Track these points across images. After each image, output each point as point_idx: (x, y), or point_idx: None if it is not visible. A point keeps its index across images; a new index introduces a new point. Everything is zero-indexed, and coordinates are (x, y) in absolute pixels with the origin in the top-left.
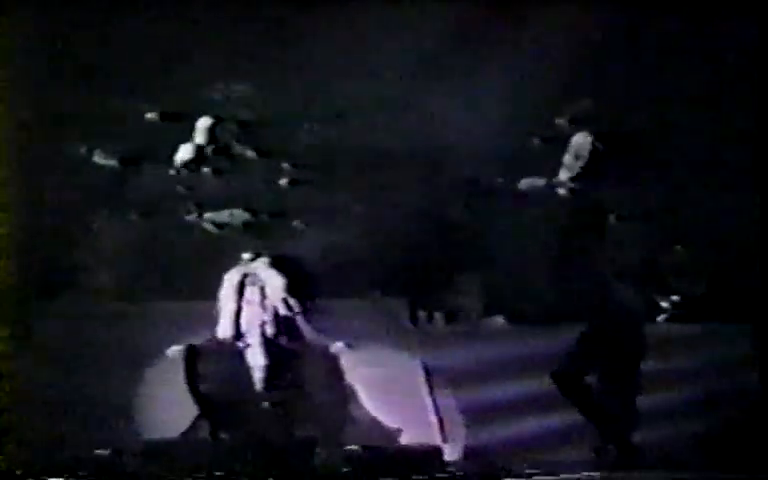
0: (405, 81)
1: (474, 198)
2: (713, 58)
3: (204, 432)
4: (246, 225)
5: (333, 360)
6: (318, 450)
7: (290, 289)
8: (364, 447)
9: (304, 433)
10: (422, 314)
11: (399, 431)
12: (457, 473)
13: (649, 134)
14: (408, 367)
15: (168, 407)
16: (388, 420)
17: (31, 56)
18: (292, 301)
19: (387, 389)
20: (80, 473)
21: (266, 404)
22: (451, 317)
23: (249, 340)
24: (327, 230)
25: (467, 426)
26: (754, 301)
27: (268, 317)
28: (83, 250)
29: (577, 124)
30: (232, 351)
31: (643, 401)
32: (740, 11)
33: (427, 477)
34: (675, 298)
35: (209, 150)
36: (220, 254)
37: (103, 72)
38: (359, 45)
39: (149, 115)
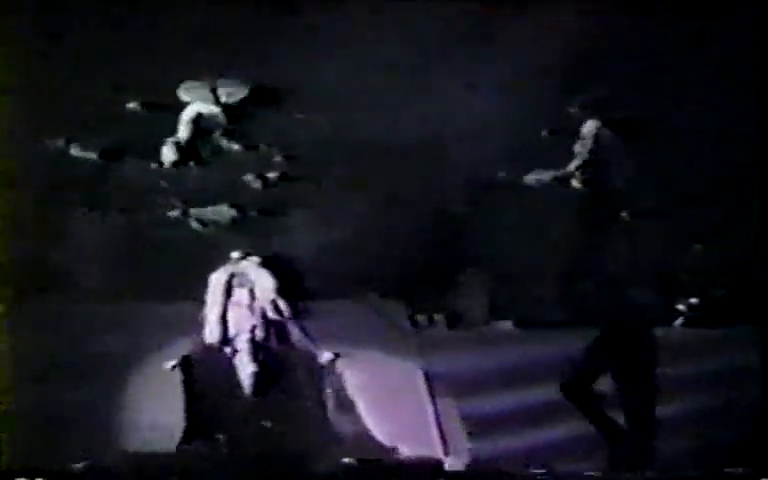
0: (404, 69)
1: (478, 193)
2: (736, 49)
3: (192, 444)
4: (234, 222)
5: (327, 366)
6: (311, 464)
7: (281, 291)
8: (360, 460)
9: (297, 445)
10: (422, 317)
11: (398, 443)
12: None
13: (665, 124)
14: (407, 374)
15: (155, 418)
16: (386, 431)
17: (5, 42)
18: (283, 304)
19: (385, 398)
20: None
21: (256, 414)
22: (454, 321)
23: (237, 345)
24: (321, 227)
25: (470, 438)
26: None
27: (258, 320)
28: (60, 249)
29: (588, 113)
30: (219, 357)
31: (660, 411)
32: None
33: None
34: (693, 301)
35: (194, 143)
36: (206, 253)
37: (82, 59)
38: (356, 31)
39: (131, 105)
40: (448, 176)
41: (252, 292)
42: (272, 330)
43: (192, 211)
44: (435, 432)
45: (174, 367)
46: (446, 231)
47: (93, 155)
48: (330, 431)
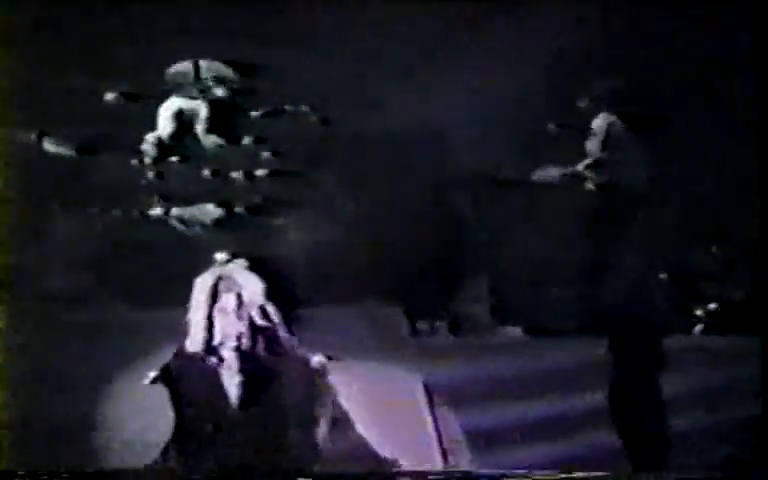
0: (402, 57)
1: (483, 190)
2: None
3: (175, 460)
4: (219, 222)
5: (320, 376)
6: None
7: (270, 295)
8: (355, 476)
9: (287, 460)
10: (423, 324)
11: (396, 459)
12: None
13: (682, 120)
14: (407, 385)
15: (135, 432)
16: (383, 446)
17: None
18: (272, 309)
19: (382, 410)
20: None
21: (243, 426)
22: (457, 327)
23: (224, 354)
24: (313, 228)
25: (474, 454)
26: None
27: (245, 328)
28: (31, 251)
29: (600, 106)
30: (204, 367)
31: (679, 424)
32: None
33: None
34: (712, 306)
35: (177, 138)
36: (190, 255)
37: (55, 45)
38: (351, 16)
39: (109, 96)
40: (450, 172)
41: (239, 297)
42: (261, 338)
43: (174, 210)
44: (436, 446)
45: (155, 380)
46: (448, 231)
47: (68, 150)
48: (323, 444)
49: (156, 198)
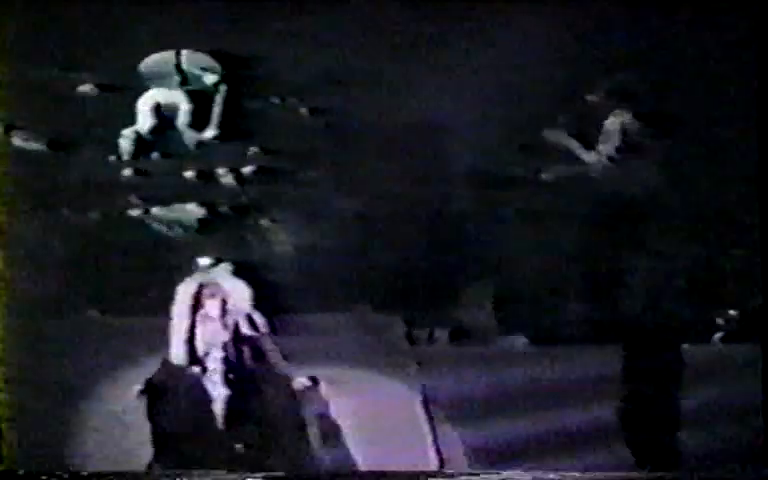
0: (401, 46)
1: (485, 190)
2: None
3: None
4: (203, 223)
5: (310, 390)
6: None
7: (257, 303)
8: (354, 476)
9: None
10: (421, 333)
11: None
12: None
13: (699, 117)
14: (403, 398)
15: (113, 448)
16: (378, 462)
17: None
18: (259, 317)
19: (377, 424)
20: None
21: (228, 441)
22: (457, 336)
23: (208, 364)
24: (303, 229)
25: (475, 469)
26: None
27: (231, 337)
28: (2, 254)
29: (614, 101)
30: (187, 378)
31: (695, 438)
32: None
33: None
34: (733, 313)
35: (157, 133)
36: (171, 259)
37: (26, 33)
38: (344, 6)
39: (83, 88)
40: (451, 170)
41: (224, 304)
42: (247, 348)
43: (155, 210)
44: (435, 463)
45: (141, 393)
46: (449, 233)
47: (40, 145)
48: (313, 462)
49: (135, 198)
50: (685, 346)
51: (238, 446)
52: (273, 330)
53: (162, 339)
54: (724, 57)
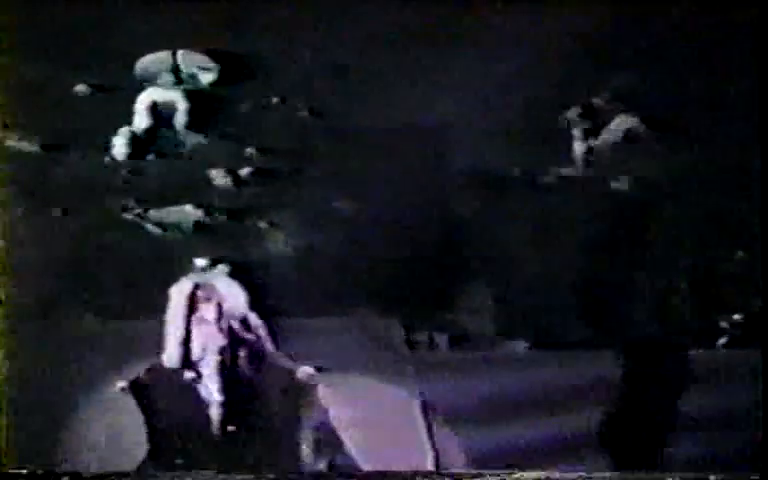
0: (399, 45)
1: (486, 191)
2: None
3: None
4: (199, 225)
5: (308, 393)
6: None
7: (254, 305)
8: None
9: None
10: (421, 337)
11: None
12: None
13: (703, 118)
14: (402, 403)
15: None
16: (376, 467)
17: None
18: (256, 320)
19: (376, 430)
20: None
21: (224, 446)
22: (458, 341)
23: (203, 369)
24: (301, 232)
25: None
26: None
27: (226, 341)
28: None
29: (618, 103)
30: (181, 383)
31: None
32: None
33: None
34: (737, 317)
35: (153, 133)
36: (167, 261)
37: (19, 32)
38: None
39: (78, 88)
40: (451, 172)
41: (220, 307)
42: (243, 352)
43: (150, 213)
44: (433, 470)
45: (121, 390)
46: (448, 235)
47: (33, 146)
48: (310, 467)
49: (130, 199)
50: (688, 351)
51: (233, 450)
52: (270, 334)
53: (159, 342)
54: (724, 61)
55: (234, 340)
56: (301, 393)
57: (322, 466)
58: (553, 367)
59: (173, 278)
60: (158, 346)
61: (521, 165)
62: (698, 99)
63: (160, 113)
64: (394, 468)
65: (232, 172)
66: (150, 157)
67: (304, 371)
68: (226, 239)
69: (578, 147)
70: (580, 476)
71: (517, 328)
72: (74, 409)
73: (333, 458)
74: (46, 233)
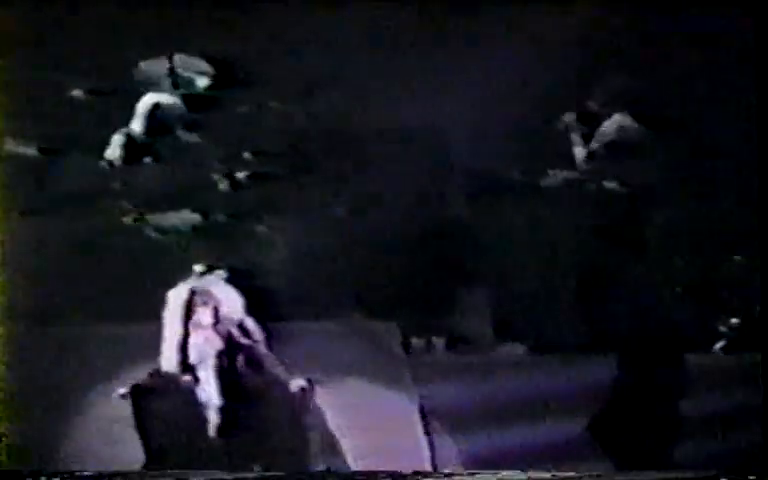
0: (397, 50)
1: (483, 195)
2: None
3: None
4: (197, 229)
5: (300, 396)
6: None
7: (250, 310)
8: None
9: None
10: (418, 341)
11: None
12: None
13: (699, 122)
14: (400, 407)
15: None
16: (374, 471)
17: None
18: (252, 325)
19: (373, 433)
20: None
21: (222, 451)
22: (455, 344)
23: (200, 373)
24: (298, 236)
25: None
26: None
27: (223, 345)
28: None
29: (613, 106)
30: (179, 387)
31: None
32: None
33: None
34: (735, 321)
35: (150, 137)
36: (165, 266)
37: (17, 38)
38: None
39: (75, 92)
40: (448, 175)
41: (217, 311)
42: (240, 356)
43: (148, 217)
44: (431, 471)
45: (123, 396)
46: (446, 240)
47: (31, 150)
48: (309, 469)
49: (128, 203)
50: (686, 355)
51: (231, 453)
52: (267, 338)
53: (157, 346)
54: (724, 65)
55: (231, 344)
56: (298, 400)
57: (320, 467)
58: (551, 370)
59: (171, 282)
60: (156, 350)
61: (519, 168)
62: (697, 100)
63: (159, 117)
64: (391, 469)
65: (230, 176)
66: (147, 161)
67: (297, 384)
68: (224, 243)
69: (578, 152)
70: (578, 477)
71: (515, 331)
72: (73, 410)
73: (331, 460)
74: (44, 237)
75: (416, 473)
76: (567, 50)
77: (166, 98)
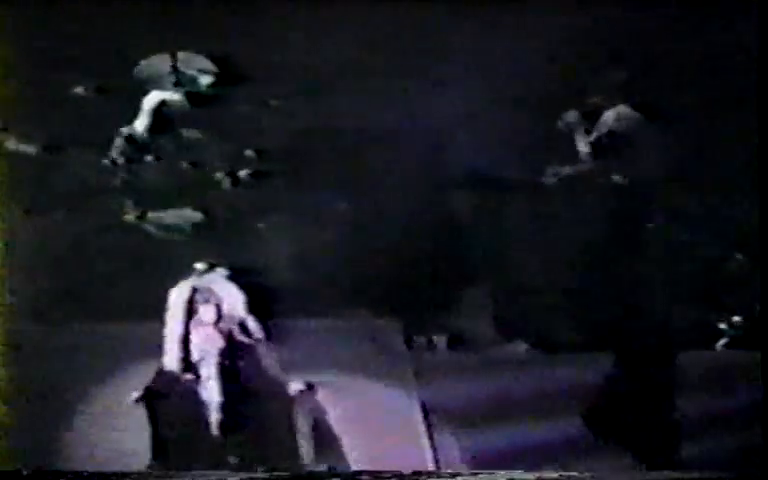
0: (398, 47)
1: (484, 193)
2: None
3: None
4: (198, 227)
5: (299, 398)
6: None
7: (252, 308)
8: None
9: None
10: (420, 339)
11: None
12: None
13: (700, 115)
14: (402, 405)
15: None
16: (375, 468)
17: None
18: (254, 323)
19: (375, 433)
20: None
21: (223, 449)
22: (456, 342)
23: (202, 372)
24: (299, 233)
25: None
26: None
27: (225, 343)
28: None
29: (613, 100)
30: (181, 386)
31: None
32: None
33: None
34: (737, 319)
35: (153, 135)
36: (166, 264)
37: (19, 34)
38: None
39: (77, 90)
40: (450, 173)
41: (219, 309)
42: (242, 355)
43: (150, 215)
44: (433, 470)
45: (138, 400)
46: (448, 237)
47: (33, 148)
48: (310, 468)
49: (129, 201)
50: (687, 353)
51: (233, 451)
52: (269, 336)
53: (158, 344)
54: (725, 63)
55: (233, 342)
56: (297, 403)
57: (322, 466)
58: (554, 368)
59: (173, 280)
60: (158, 348)
61: (520, 166)
62: (697, 96)
63: (162, 115)
64: (393, 469)
65: (231, 174)
66: (149, 159)
67: (295, 388)
68: (225, 241)
69: (582, 148)
70: (578, 476)
71: (517, 329)
72: (73, 410)
73: (332, 459)
74: (45, 235)
75: (419, 473)
76: (569, 46)
77: (171, 95)
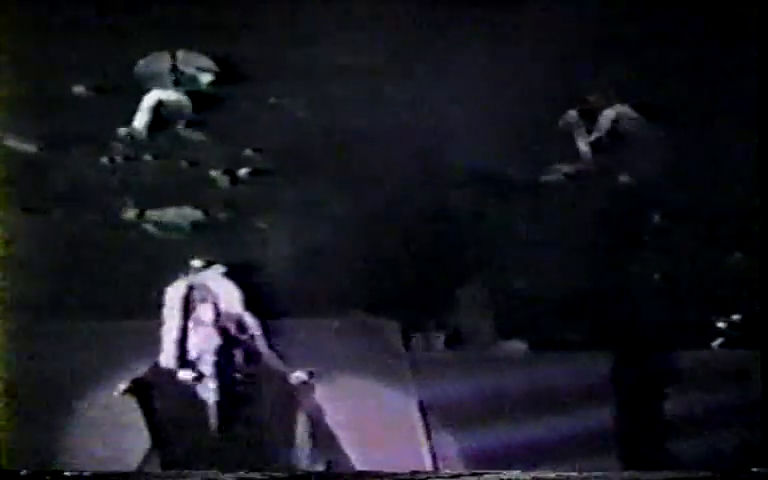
0: (397, 46)
1: (483, 192)
2: None
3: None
4: (196, 225)
5: (305, 394)
6: None
7: (249, 305)
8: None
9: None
10: (418, 337)
11: None
12: None
13: (699, 113)
14: (400, 404)
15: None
16: (373, 466)
17: None
18: (251, 320)
19: (373, 431)
20: None
21: (222, 447)
22: (455, 341)
23: (200, 369)
24: (297, 232)
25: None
26: None
27: (223, 340)
28: None
29: (611, 100)
30: (179, 383)
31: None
32: None
33: None
34: (735, 317)
35: (152, 134)
36: (164, 262)
37: (19, 34)
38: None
39: (77, 89)
40: (448, 172)
41: (216, 307)
42: (239, 352)
43: (149, 213)
44: (430, 468)
45: (125, 392)
46: (446, 236)
47: (32, 146)
48: (308, 467)
49: (129, 200)
50: (685, 351)
51: (230, 450)
52: (266, 334)
53: (156, 342)
54: (725, 63)
55: (230, 340)
56: (298, 394)
57: (319, 465)
58: (552, 367)
59: (171, 278)
60: (156, 346)
61: (519, 165)
62: (698, 94)
63: (161, 114)
64: (391, 468)
65: (230, 172)
66: (148, 157)
67: (297, 377)
68: (224, 239)
69: (582, 147)
70: (577, 475)
71: (516, 328)
72: (73, 409)
73: (330, 458)
74: (45, 233)
75: (417, 472)
76: (569, 44)
77: (169, 94)
